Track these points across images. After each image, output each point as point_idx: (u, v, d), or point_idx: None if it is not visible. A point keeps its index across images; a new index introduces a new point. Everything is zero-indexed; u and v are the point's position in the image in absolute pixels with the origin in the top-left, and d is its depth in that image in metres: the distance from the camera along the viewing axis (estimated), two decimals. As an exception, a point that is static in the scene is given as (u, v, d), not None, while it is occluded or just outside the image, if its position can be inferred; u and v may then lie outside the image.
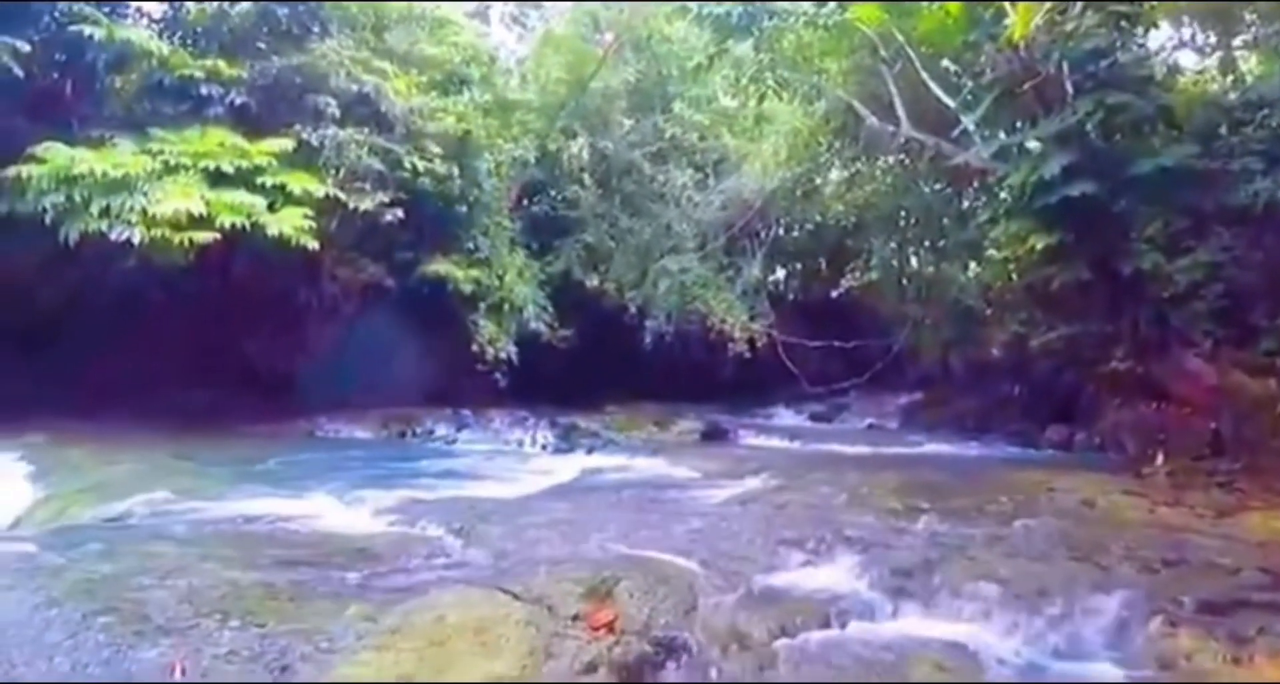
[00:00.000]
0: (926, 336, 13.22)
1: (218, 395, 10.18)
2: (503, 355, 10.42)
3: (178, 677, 3.39)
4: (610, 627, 3.90)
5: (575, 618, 3.97)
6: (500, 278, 11.11)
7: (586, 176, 12.61)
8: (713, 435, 10.59)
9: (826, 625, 4.10)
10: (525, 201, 13.06)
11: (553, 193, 13.12)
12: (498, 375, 10.41)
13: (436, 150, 10.99)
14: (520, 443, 9.92)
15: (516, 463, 8.67)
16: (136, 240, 8.24)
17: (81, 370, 9.76)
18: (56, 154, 8.65)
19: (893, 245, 13.28)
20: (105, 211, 8.26)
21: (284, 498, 6.44)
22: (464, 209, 11.36)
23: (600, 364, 11.35)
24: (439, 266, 10.77)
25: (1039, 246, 8.78)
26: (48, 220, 8.38)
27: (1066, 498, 6.38)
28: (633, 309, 11.72)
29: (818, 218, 13.89)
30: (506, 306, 10.96)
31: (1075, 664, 3.85)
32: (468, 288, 10.73)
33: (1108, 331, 8.78)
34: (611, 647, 3.79)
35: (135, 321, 10.26)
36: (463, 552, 5.17)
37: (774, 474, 7.55)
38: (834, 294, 14.64)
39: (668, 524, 5.59)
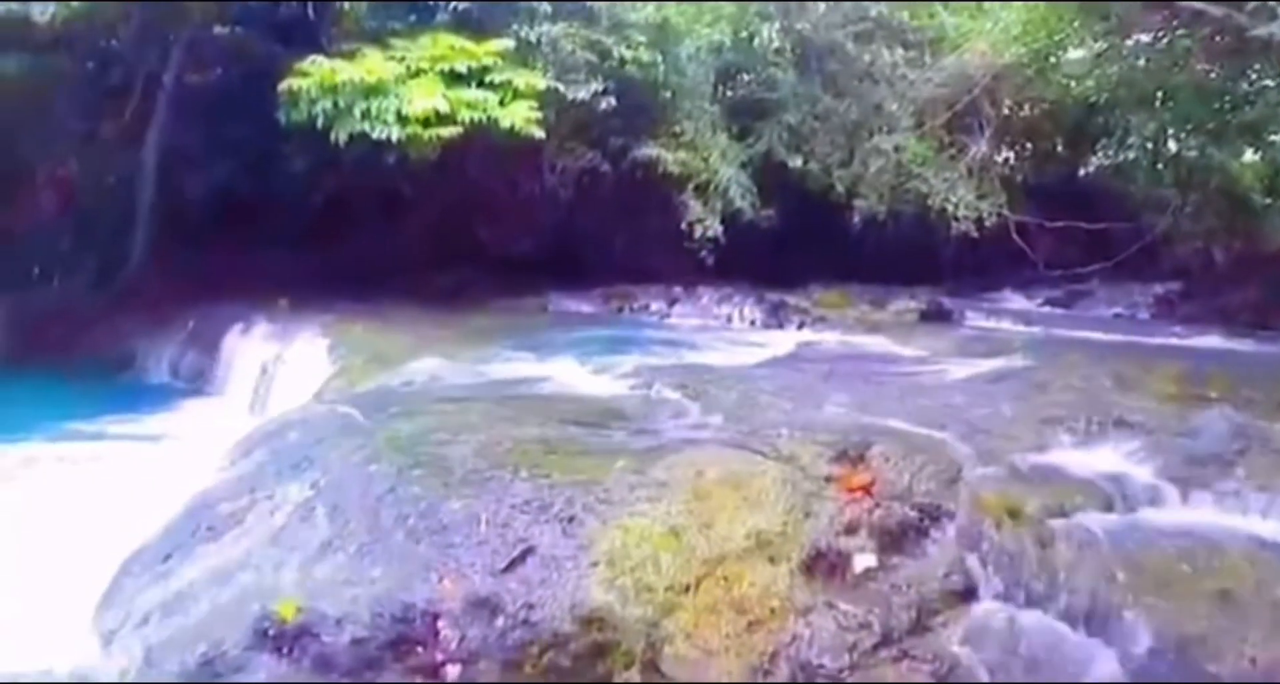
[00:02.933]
0: (1185, 225, 11.51)
1: (461, 276, 10.54)
2: (709, 234, 10.11)
3: (447, 586, 3.39)
4: (867, 490, 3.70)
5: (828, 479, 3.80)
6: (705, 160, 10.72)
7: (784, 58, 11.76)
8: (934, 316, 9.68)
9: (1108, 509, 3.67)
10: (724, 86, 12.41)
11: (749, 76, 12.39)
12: (704, 253, 10.15)
13: (640, 39, 10.54)
14: (728, 318, 9.72)
15: (730, 336, 8.52)
16: (394, 138, 8.51)
17: (350, 259, 10.35)
18: (319, 67, 8.91)
19: (1151, 126, 11.31)
20: (366, 113, 8.55)
21: (535, 364, 6.59)
22: (669, 95, 10.96)
23: (804, 244, 10.82)
24: (649, 151, 10.53)
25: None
26: (319, 125, 8.72)
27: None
28: (839, 189, 10.91)
29: (1055, 97, 12.18)
30: (712, 187, 10.58)
31: None
32: (675, 170, 10.44)
33: None
34: (871, 510, 3.60)
35: (390, 214, 10.75)
36: (701, 414, 5.09)
37: (1019, 355, 6.67)
38: (1077, 175, 12.94)
39: (908, 396, 5.20)
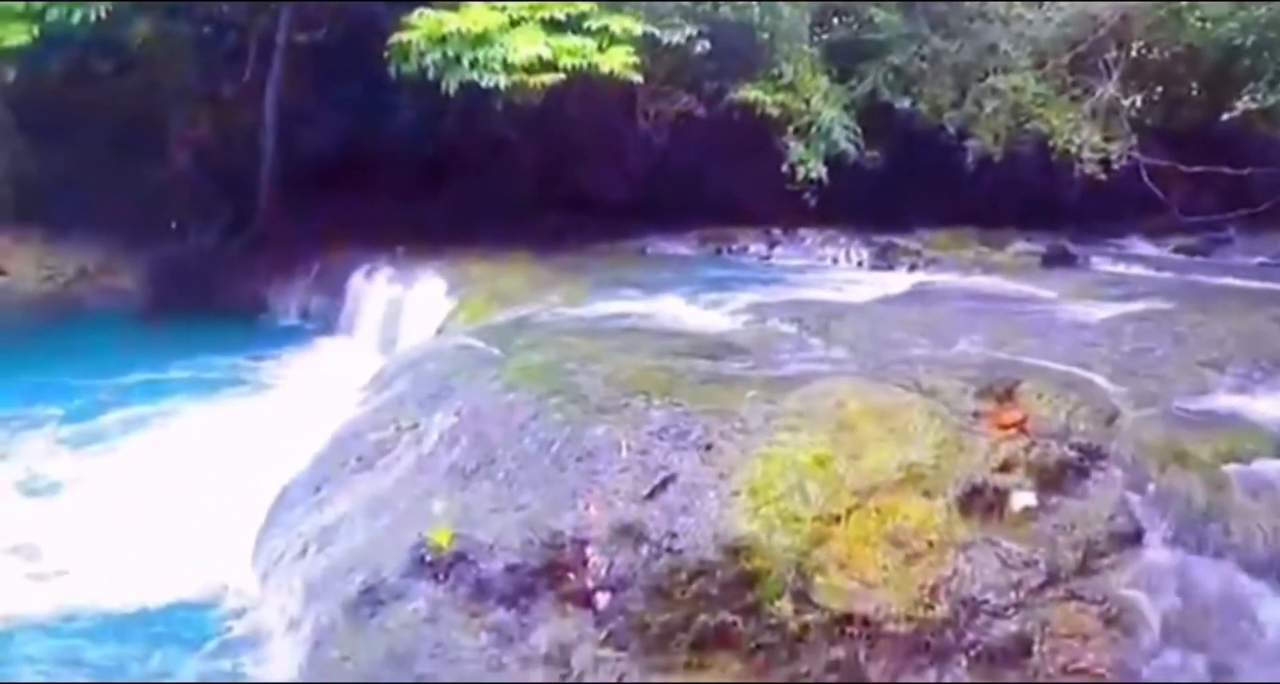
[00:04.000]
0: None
1: (563, 220, 10.35)
2: (812, 175, 9.58)
3: (593, 512, 3.26)
4: (1020, 427, 3.38)
5: (976, 415, 3.48)
6: (806, 102, 10.11)
7: (887, -1, 10.95)
8: (1057, 259, 8.83)
9: (1284, 456, 3.21)
10: (823, 28, 11.69)
11: (851, 17, 11.62)
12: (807, 195, 9.63)
13: (734, -18, 9.98)
14: (834, 259, 9.26)
15: (838, 276, 8.10)
16: (501, 85, 8.30)
17: (459, 205, 10.26)
18: (426, 19, 8.71)
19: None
20: (474, 63, 8.33)
21: (645, 301, 6.37)
22: (765, 37, 10.37)
23: (911, 186, 10.11)
24: (746, 93, 9.98)
25: None
26: (430, 76, 8.56)
27: None
28: (951, 130, 10.12)
29: (1190, 40, 10.95)
30: (814, 129, 9.98)
31: None
32: (775, 112, 9.89)
33: None
34: (1027, 448, 3.28)
35: (496, 160, 10.61)
36: (825, 349, 4.80)
37: (1157, 298, 5.95)
38: (1214, 120, 11.62)
39: (1047, 335, 4.72)
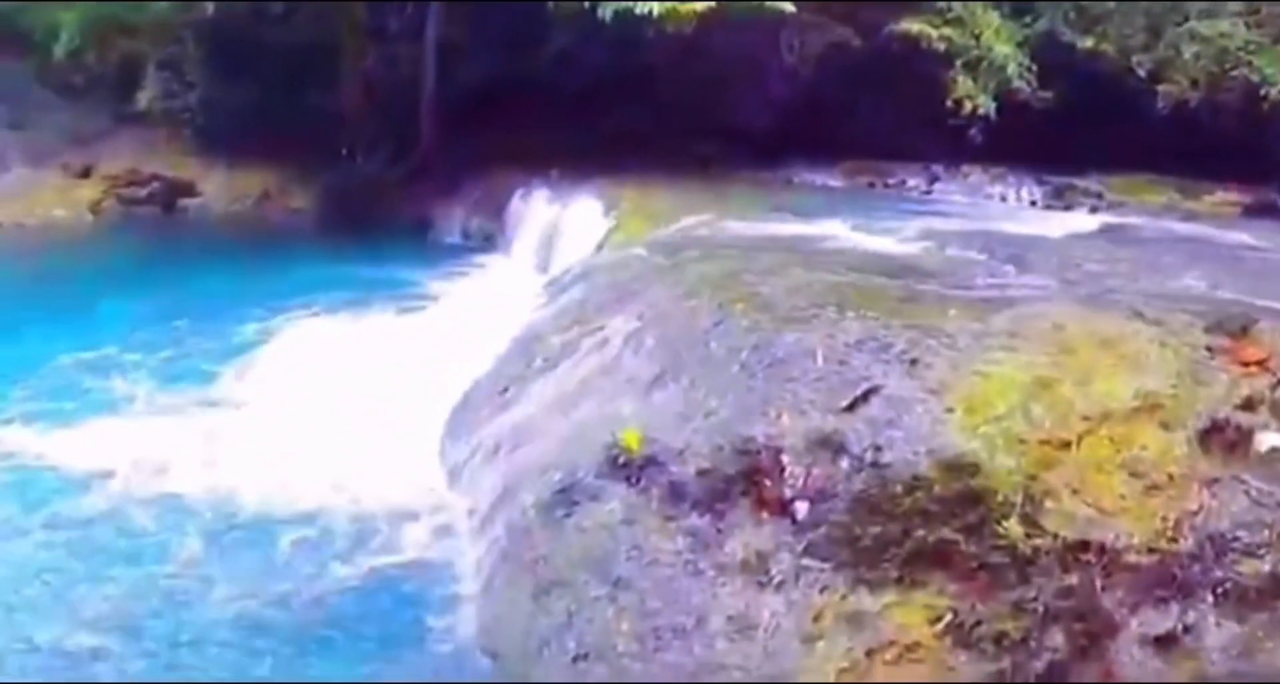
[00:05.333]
0: None
1: (708, 148, 9.91)
2: (980, 111, 8.70)
3: (786, 421, 2.96)
4: (1263, 365, 2.85)
5: (1209, 350, 2.96)
6: (975, 37, 9.15)
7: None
8: (1262, 210, 7.87)
9: None
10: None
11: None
12: (973, 132, 8.78)
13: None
14: (1003, 198, 8.44)
15: (1014, 213, 7.36)
16: (655, 12, 7.89)
17: (609, 131, 9.97)
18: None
19: None
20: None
21: (807, 224, 5.95)
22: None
23: (1089, 128, 9.00)
24: (909, 26, 9.12)
25: None
26: (585, 4, 8.21)
27: None
28: (1141, 73, 8.95)
29: None
30: (984, 64, 9.04)
31: None
32: (941, 46, 9.00)
33: None
34: (1273, 386, 2.76)
35: (646, 88, 10.22)
36: (1018, 276, 4.28)
37: None
38: None
39: (1269, 279, 4.10)
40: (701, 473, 2.89)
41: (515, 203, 8.28)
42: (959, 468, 2.64)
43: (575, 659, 2.74)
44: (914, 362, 3.02)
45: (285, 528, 3.84)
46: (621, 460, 3.02)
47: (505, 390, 3.94)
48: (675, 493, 2.87)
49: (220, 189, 10.90)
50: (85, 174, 10.49)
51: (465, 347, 5.41)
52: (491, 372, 4.20)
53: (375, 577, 3.53)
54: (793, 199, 7.59)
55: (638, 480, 2.96)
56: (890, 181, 9.09)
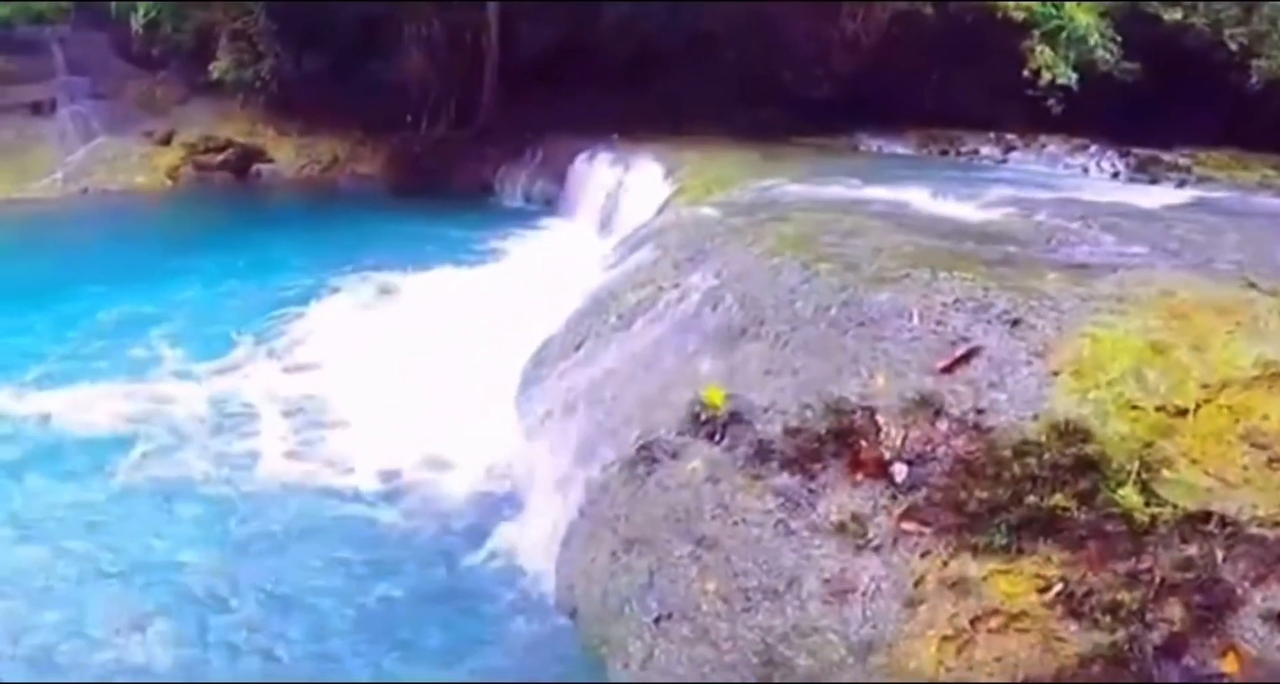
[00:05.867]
0: None
1: (766, 114, 9.62)
2: (1060, 81, 8.23)
3: (880, 381, 2.83)
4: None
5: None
6: (1056, 7, 8.65)
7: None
8: None
9: None
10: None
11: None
12: (1051, 102, 8.32)
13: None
14: (1084, 169, 7.98)
15: (1098, 185, 6.93)
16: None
17: (668, 96, 9.76)
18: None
19: None
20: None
21: (884, 189, 5.65)
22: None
23: (1174, 102, 8.48)
24: (987, -5, 8.67)
25: None
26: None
27: None
28: (1233, 47, 8.37)
29: None
30: (1064, 35, 8.54)
31: None
32: (1019, 15, 8.52)
33: None
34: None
35: (704, 57, 9.95)
36: (1117, 244, 3.99)
37: None
38: None
39: None
40: (790, 431, 2.76)
41: (578, 167, 8.15)
42: (1069, 433, 2.46)
43: (658, 619, 2.66)
44: (1016, 322, 2.82)
45: (363, 485, 3.84)
46: (704, 417, 2.91)
47: (580, 347, 3.85)
48: (762, 451, 2.74)
49: (291, 155, 11.01)
50: (165, 141, 10.68)
51: (533, 305, 5.34)
52: (565, 328, 4.11)
53: (450, 535, 3.51)
54: (863, 165, 7.29)
55: (721, 437, 2.85)
56: (963, 150, 8.71)
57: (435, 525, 3.57)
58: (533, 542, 3.34)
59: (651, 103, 9.70)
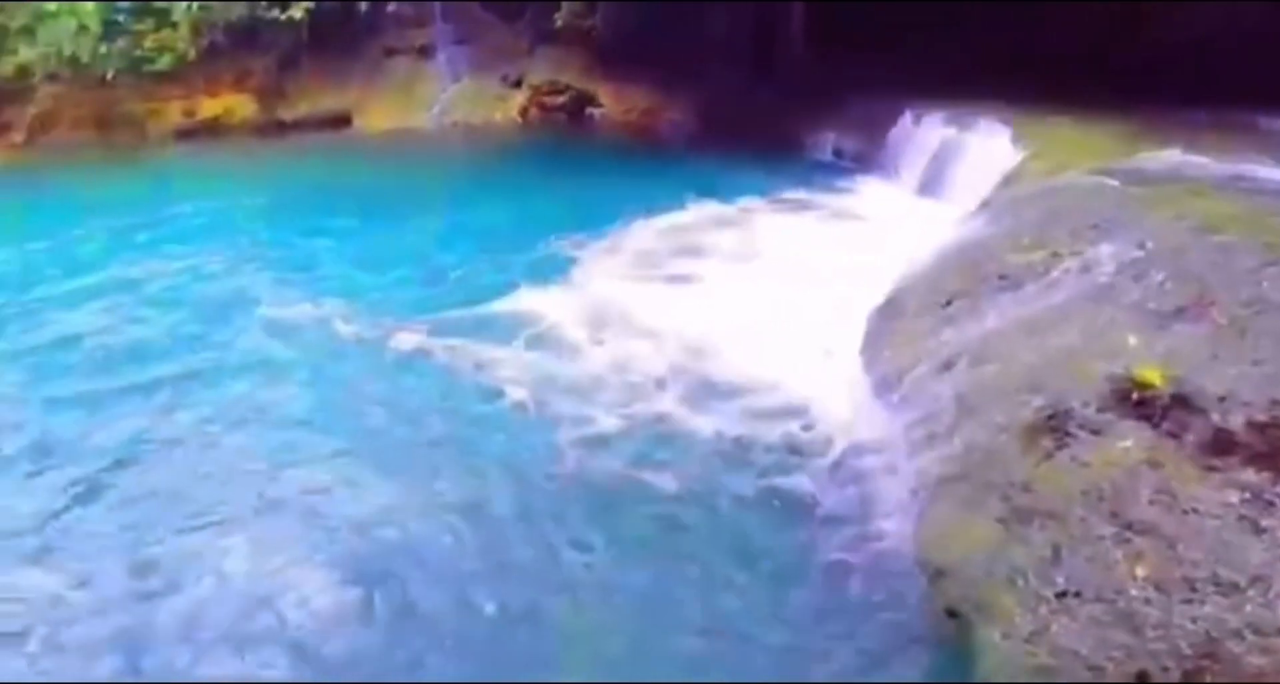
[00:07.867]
0: None
1: (1129, 80, 8.05)
2: None
3: (1216, 317, 2.60)
4: None
5: None
6: None
7: None
8: None
9: None
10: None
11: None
12: None
13: None
14: None
15: None
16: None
17: (1004, 53, 8.53)
18: None
19: None
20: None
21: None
22: None
23: None
24: None
25: None
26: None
27: None
28: None
29: None
30: None
31: None
32: None
33: None
34: None
35: (1021, 14, 8.57)
36: None
37: None
38: None
39: None
40: (1256, 425, 2.29)
41: (903, 126, 7.53)
42: None
43: (1061, 594, 2.38)
44: None
45: (709, 432, 3.72)
46: (1136, 397, 2.51)
47: (949, 304, 3.52)
48: (1219, 442, 2.31)
49: (615, 102, 11.42)
50: (516, 84, 11.56)
51: (863, 259, 5.06)
52: (925, 283, 3.79)
53: (804, 478, 3.38)
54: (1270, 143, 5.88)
55: (1160, 421, 2.44)
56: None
57: (778, 470, 3.47)
58: (889, 498, 3.16)
59: (979, 61, 8.63)
